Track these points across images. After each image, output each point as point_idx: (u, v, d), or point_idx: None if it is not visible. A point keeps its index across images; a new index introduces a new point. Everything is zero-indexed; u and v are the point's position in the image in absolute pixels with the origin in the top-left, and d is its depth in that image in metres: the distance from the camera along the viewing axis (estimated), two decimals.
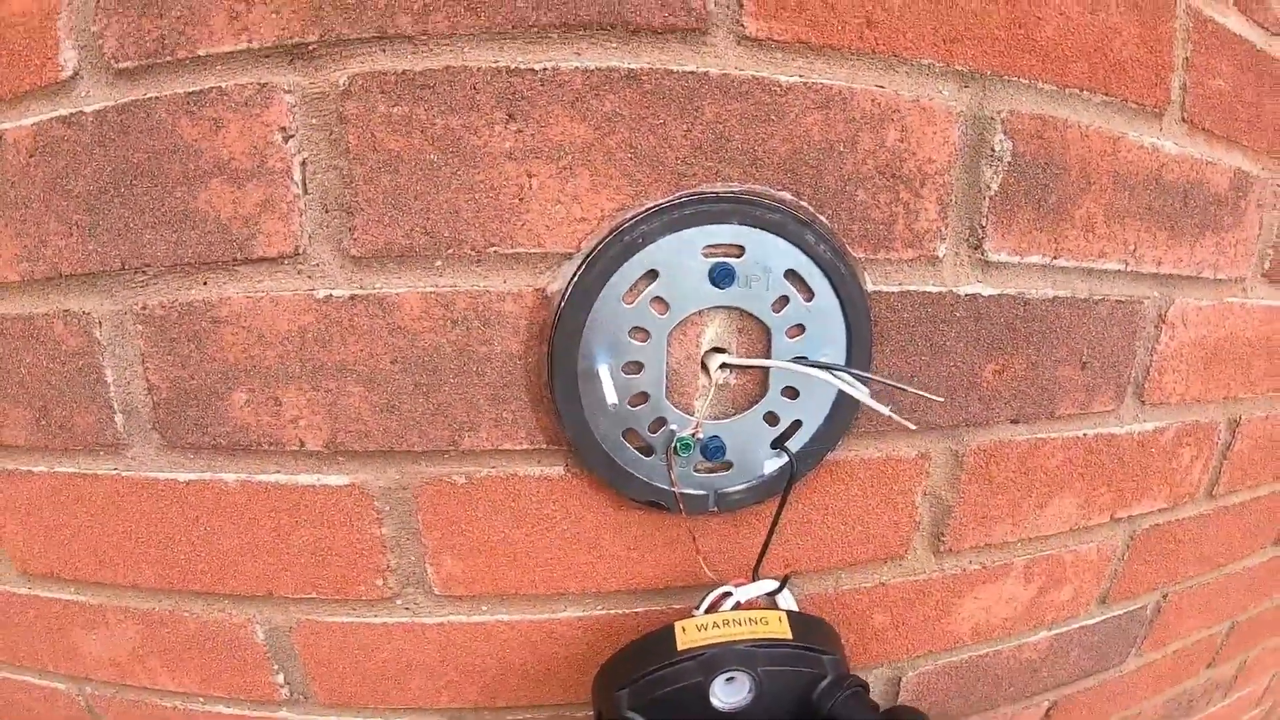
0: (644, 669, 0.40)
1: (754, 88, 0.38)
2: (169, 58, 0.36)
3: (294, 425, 0.42)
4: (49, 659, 0.52)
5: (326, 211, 0.38)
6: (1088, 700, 0.71)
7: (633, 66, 0.37)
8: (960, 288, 0.44)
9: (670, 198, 0.39)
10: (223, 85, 0.37)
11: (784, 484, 0.43)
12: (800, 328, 0.41)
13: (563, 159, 0.38)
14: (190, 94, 0.37)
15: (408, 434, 0.42)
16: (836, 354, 0.42)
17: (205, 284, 0.40)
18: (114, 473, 0.43)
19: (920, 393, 0.44)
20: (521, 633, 0.47)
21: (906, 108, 0.41)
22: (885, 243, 0.42)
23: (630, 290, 0.39)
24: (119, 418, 0.42)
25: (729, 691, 0.39)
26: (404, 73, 0.36)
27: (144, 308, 0.40)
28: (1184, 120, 0.50)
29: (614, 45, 0.37)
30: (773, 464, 0.43)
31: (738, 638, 0.39)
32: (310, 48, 0.36)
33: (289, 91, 0.37)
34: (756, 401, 0.42)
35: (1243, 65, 0.53)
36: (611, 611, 0.47)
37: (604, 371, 0.39)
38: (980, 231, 0.44)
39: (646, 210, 0.39)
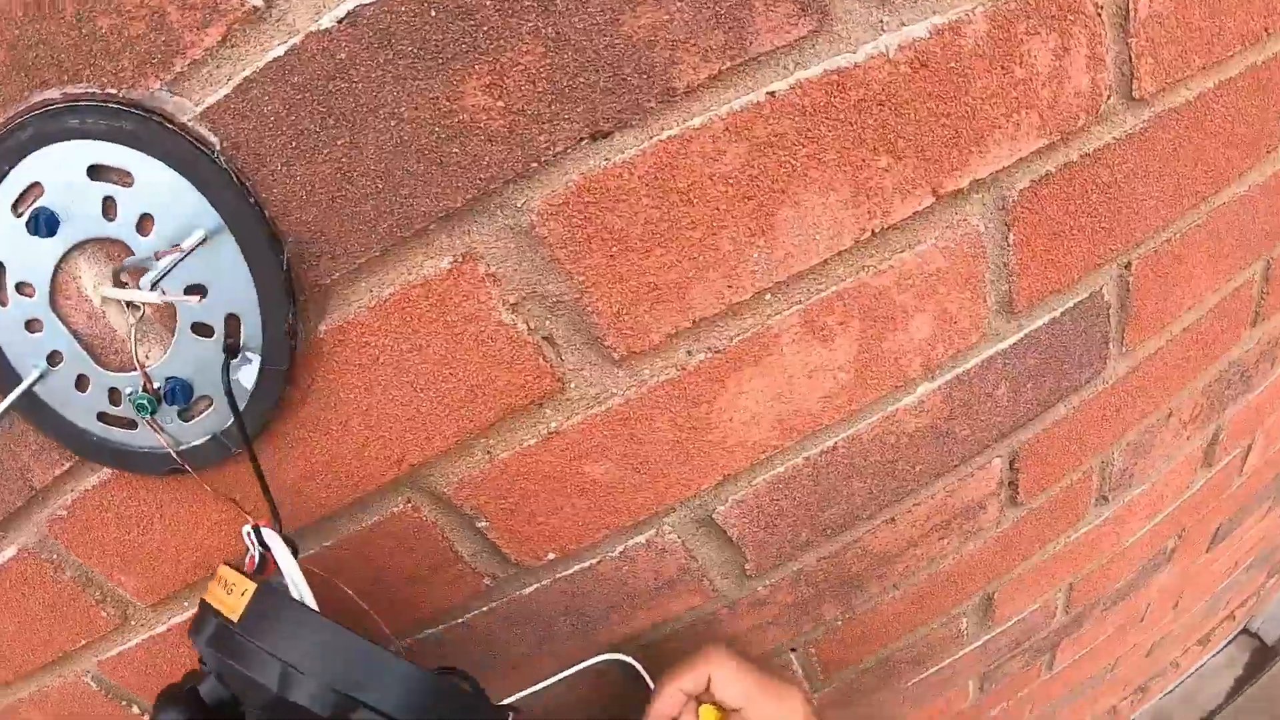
0: None
1: None
2: None
3: None
4: None
5: None
6: (1066, 433, 0.48)
7: None
8: (322, 20, 0.27)
9: None
10: None
11: (276, 394, 0.34)
12: (148, 218, 0.30)
13: None
14: None
15: (3, 495, 0.40)
16: (202, 216, 0.30)
17: None
18: None
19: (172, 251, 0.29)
20: None
21: None
22: (173, 47, 0.27)
23: None
24: None
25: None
26: None
27: None
28: None
29: None
30: (249, 376, 0.34)
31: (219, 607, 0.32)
32: None
33: None
34: (175, 322, 0.33)
35: None
36: None
37: (21, 385, 0.33)
38: None
39: None
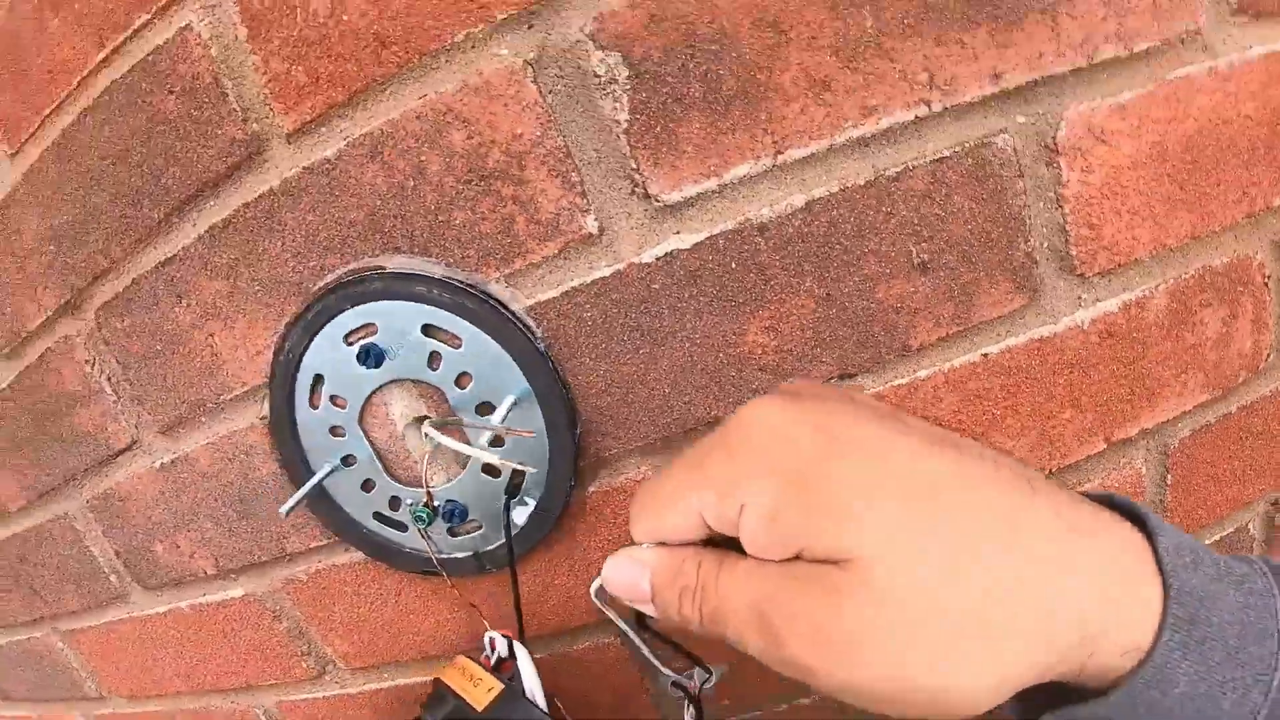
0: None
1: (307, 176, 0.36)
2: None
3: (192, 559, 0.50)
4: None
5: (137, 404, 0.46)
6: None
7: (225, 215, 0.38)
8: (645, 254, 0.34)
9: (301, 307, 0.38)
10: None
11: (541, 533, 0.39)
12: (466, 375, 0.36)
13: (223, 313, 0.40)
14: None
15: (254, 550, 0.47)
16: (515, 385, 0.36)
17: (106, 476, 0.50)
18: (126, 615, 0.56)
19: (517, 430, 0.36)
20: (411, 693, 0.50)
21: (455, 99, 0.33)
22: (515, 249, 0.35)
23: (313, 396, 0.39)
24: (112, 577, 0.55)
25: None
26: (114, 296, 0.43)
27: (87, 501, 0.52)
28: None
29: (210, 205, 0.38)
30: (522, 514, 0.39)
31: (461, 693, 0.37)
32: (75, 300, 0.44)
33: (76, 335, 0.45)
34: (469, 459, 0.39)
35: None
36: None
37: (318, 475, 0.40)
38: (639, 176, 0.33)
39: (289, 325, 0.38)
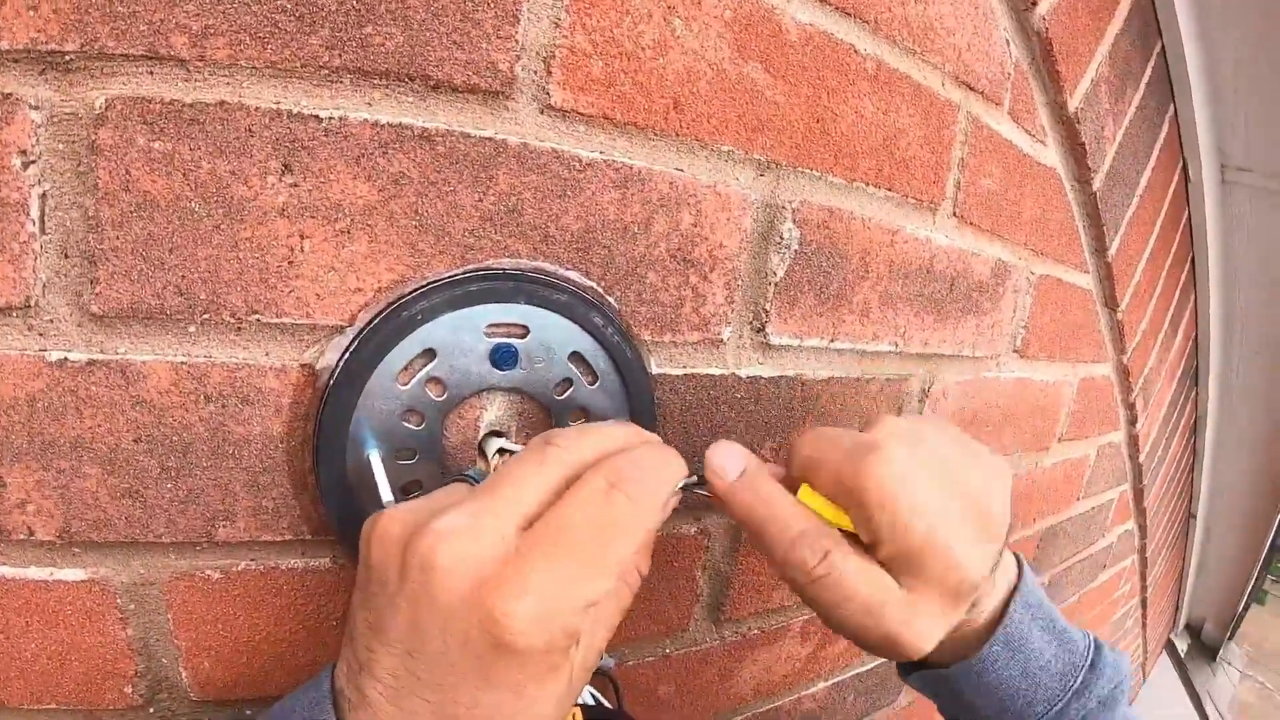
0: None
1: (553, 160, 0.37)
2: None
3: (21, 510, 0.34)
4: None
5: (65, 257, 0.31)
6: None
7: (427, 125, 0.34)
8: (742, 370, 0.46)
9: (454, 272, 0.36)
10: None
11: None
12: (583, 411, 0.40)
13: (341, 221, 0.34)
14: None
15: (154, 523, 0.36)
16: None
17: None
18: None
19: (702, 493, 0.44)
20: None
21: (703, 192, 0.41)
22: (672, 325, 0.43)
23: (405, 370, 0.36)
24: None
25: None
26: (171, 102, 0.31)
27: None
28: (955, 215, 0.56)
29: (410, 100, 0.34)
30: None
31: None
32: (67, 58, 0.30)
33: (36, 107, 0.30)
34: None
35: (1009, 167, 0.60)
36: None
37: (374, 460, 0.36)
38: (764, 316, 0.46)
39: (428, 284, 0.36)
